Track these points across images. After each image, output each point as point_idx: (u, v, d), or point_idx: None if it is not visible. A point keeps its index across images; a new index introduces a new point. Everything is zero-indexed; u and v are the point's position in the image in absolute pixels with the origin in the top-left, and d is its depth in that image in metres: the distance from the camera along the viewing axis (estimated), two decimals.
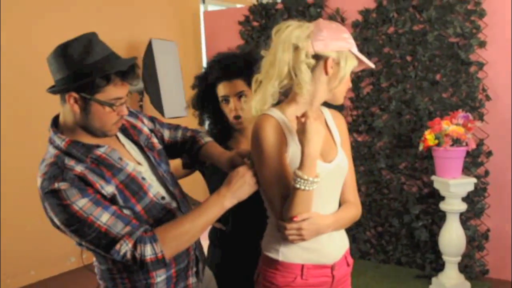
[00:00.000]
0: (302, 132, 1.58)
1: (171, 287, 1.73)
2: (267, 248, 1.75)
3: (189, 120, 2.45)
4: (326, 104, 1.79)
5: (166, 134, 1.96)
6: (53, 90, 1.58)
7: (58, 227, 1.57)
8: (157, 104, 4.54)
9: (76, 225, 1.51)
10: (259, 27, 4.76)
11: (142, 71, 4.54)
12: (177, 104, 4.62)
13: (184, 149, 1.96)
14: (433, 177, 3.73)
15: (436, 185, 3.72)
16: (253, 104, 1.68)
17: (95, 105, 1.55)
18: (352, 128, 4.40)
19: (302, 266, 1.70)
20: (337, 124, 1.83)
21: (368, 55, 4.20)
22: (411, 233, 4.19)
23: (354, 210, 1.81)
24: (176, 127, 2.00)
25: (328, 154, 1.70)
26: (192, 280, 1.80)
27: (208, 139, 1.97)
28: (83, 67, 1.51)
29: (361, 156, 4.36)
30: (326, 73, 1.65)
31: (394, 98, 4.11)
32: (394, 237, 4.29)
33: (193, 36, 5.46)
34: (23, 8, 4.13)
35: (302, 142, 1.58)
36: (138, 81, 1.63)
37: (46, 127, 1.69)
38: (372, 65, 1.71)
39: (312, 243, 1.68)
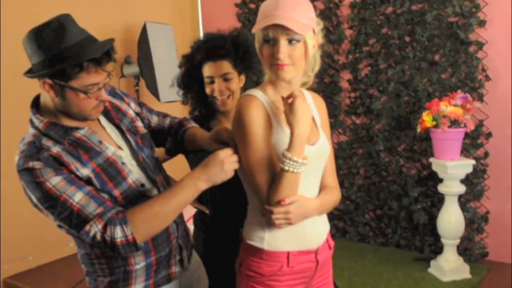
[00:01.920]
0: (290, 112, 1.54)
1: (151, 275, 1.70)
2: (250, 236, 1.70)
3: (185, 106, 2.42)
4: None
5: (154, 120, 1.92)
6: (28, 75, 1.55)
7: (36, 206, 1.55)
8: (153, 88, 4.48)
9: (49, 202, 1.50)
10: (256, 9, 4.68)
11: (137, 55, 4.48)
12: (172, 88, 4.57)
13: (170, 133, 1.92)
14: (431, 159, 3.69)
15: (434, 167, 3.68)
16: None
17: (70, 91, 1.51)
18: (350, 110, 4.35)
19: (288, 253, 1.66)
20: (317, 106, 1.79)
21: (366, 36, 4.13)
22: (410, 216, 4.15)
23: (336, 194, 1.78)
24: (165, 115, 1.97)
25: (311, 136, 1.65)
26: (175, 268, 1.77)
27: (195, 124, 1.94)
28: (55, 54, 1.47)
29: (359, 139, 4.32)
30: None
31: (392, 80, 4.05)
32: (393, 220, 4.25)
33: (190, 19, 5.38)
34: None
35: (291, 123, 1.54)
36: (114, 66, 1.58)
37: None
38: (274, 22, 1.52)
39: (297, 228, 1.64)
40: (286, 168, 1.52)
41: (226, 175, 1.59)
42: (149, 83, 4.47)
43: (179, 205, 1.59)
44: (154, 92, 4.47)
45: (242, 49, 2.16)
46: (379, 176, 4.27)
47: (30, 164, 1.49)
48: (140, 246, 1.56)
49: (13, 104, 3.96)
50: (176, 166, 2.42)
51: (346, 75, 4.34)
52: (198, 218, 2.26)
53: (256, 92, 1.63)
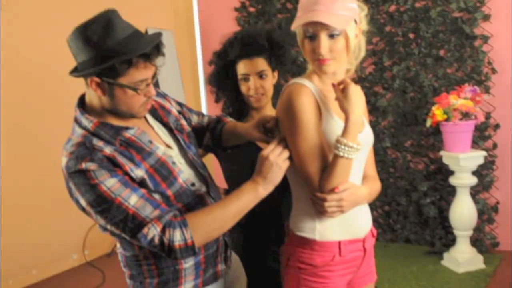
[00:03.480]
0: (345, 98, 1.54)
1: (200, 273, 1.66)
2: (300, 228, 1.68)
3: None
4: None
5: (194, 118, 1.89)
6: (74, 74, 1.50)
7: (83, 209, 1.49)
8: None
9: (103, 205, 1.44)
10: (256, 12, 4.70)
11: None
12: (174, 93, 4.55)
13: (208, 129, 1.90)
14: (442, 152, 3.74)
15: (445, 160, 3.73)
16: None
17: (119, 89, 1.47)
18: None
19: (339, 243, 1.65)
20: None
21: (370, 35, 4.18)
22: (419, 211, 4.20)
23: (379, 184, 1.79)
24: (203, 114, 1.94)
25: None
26: (221, 266, 1.73)
27: (232, 119, 1.93)
28: (103, 51, 1.42)
29: None
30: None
31: (397, 76, 4.11)
32: (401, 215, 4.29)
33: (187, 24, 5.37)
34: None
35: (346, 109, 1.54)
36: (163, 60, 1.52)
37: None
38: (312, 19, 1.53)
39: (347, 217, 1.64)
40: (341, 154, 1.51)
41: (281, 168, 1.56)
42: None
43: (239, 210, 1.55)
44: None
45: (277, 45, 2.14)
46: (386, 172, 4.31)
47: (84, 165, 1.43)
48: (197, 250, 1.51)
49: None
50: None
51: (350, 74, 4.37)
52: None
53: (303, 81, 1.62)
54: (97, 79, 1.45)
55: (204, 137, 1.90)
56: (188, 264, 1.62)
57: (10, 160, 3.95)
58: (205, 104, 5.26)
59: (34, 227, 4.10)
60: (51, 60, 3.97)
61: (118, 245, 1.67)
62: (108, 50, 1.42)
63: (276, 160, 1.55)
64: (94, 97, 1.52)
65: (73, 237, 4.30)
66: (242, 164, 2.00)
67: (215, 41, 2.27)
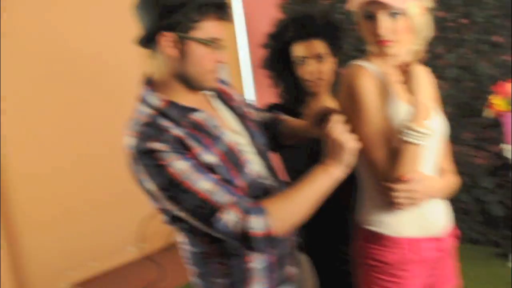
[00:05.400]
0: (411, 79, 1.46)
1: (271, 276, 1.55)
2: (367, 221, 1.58)
3: None
4: None
5: (255, 113, 1.80)
6: (141, 37, 1.44)
7: (151, 193, 1.42)
8: None
9: (172, 189, 1.36)
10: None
11: None
12: None
13: (264, 127, 1.80)
14: (503, 146, 3.45)
15: (506, 154, 3.44)
16: None
17: (192, 44, 1.40)
18: None
19: (412, 239, 1.54)
20: None
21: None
22: (482, 209, 3.91)
23: (456, 179, 1.67)
24: (259, 109, 1.87)
25: None
26: (291, 269, 1.62)
27: (286, 116, 1.84)
28: (172, 2, 1.37)
29: None
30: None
31: (451, 65, 3.83)
32: (465, 214, 4.01)
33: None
34: None
35: (413, 90, 1.46)
36: (232, 21, 1.48)
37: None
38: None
39: (421, 211, 1.53)
40: (410, 139, 1.43)
41: (351, 146, 1.45)
42: None
43: (315, 194, 1.45)
44: None
45: (334, 27, 2.05)
46: None
47: (153, 146, 1.36)
48: (277, 241, 1.43)
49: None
50: None
51: None
52: None
53: (362, 62, 1.54)
54: (168, 34, 1.39)
55: None
56: (260, 265, 1.53)
57: (66, 155, 3.90)
58: (253, 91, 5.09)
59: (91, 219, 3.99)
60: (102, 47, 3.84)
61: (183, 240, 1.59)
62: (175, 2, 1.37)
63: (346, 137, 1.45)
64: (163, 64, 1.45)
65: (130, 229, 4.14)
66: (302, 154, 1.94)
67: (258, 26, 2.19)
